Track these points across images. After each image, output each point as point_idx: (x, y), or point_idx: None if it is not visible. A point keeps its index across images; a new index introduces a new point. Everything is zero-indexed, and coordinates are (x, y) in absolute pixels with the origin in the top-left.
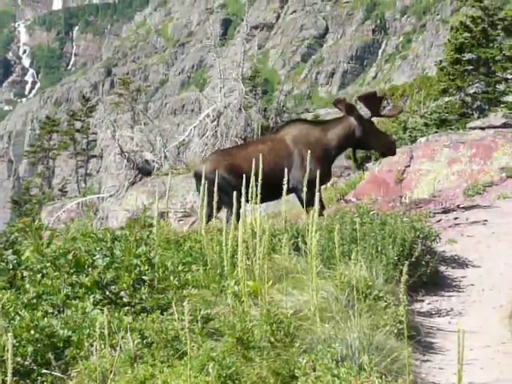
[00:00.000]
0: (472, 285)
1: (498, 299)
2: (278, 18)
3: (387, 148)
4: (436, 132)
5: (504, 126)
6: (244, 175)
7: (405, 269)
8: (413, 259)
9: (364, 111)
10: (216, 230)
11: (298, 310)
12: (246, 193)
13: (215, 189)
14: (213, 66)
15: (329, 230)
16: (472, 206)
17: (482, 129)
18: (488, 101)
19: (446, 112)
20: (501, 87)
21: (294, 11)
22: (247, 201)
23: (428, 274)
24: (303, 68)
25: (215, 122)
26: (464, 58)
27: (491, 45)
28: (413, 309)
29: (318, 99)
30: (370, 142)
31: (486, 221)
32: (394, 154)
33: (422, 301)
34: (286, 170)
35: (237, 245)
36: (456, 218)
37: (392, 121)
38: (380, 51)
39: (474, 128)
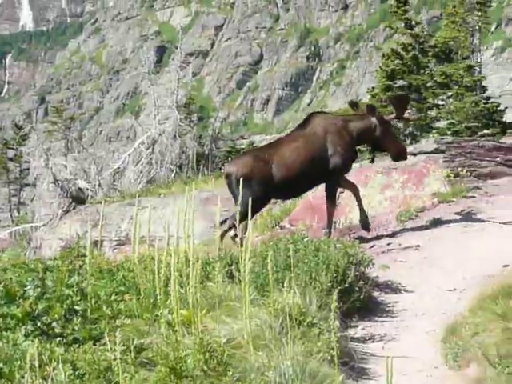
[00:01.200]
0: (405, 310)
1: (430, 324)
2: (212, 45)
3: (401, 152)
4: (369, 158)
5: (435, 151)
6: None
7: (334, 296)
8: (346, 285)
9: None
10: (150, 259)
11: (232, 338)
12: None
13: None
14: (147, 94)
15: (263, 257)
16: (405, 231)
17: (414, 154)
18: (420, 127)
19: None
20: (432, 113)
21: (229, 38)
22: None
23: (361, 299)
24: (238, 95)
25: (150, 150)
26: (395, 85)
27: (422, 71)
28: (346, 335)
29: (254, 125)
30: (386, 144)
31: (418, 246)
32: (405, 158)
33: (356, 326)
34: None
35: (170, 273)
36: (389, 244)
37: None
38: (314, 78)
39: None
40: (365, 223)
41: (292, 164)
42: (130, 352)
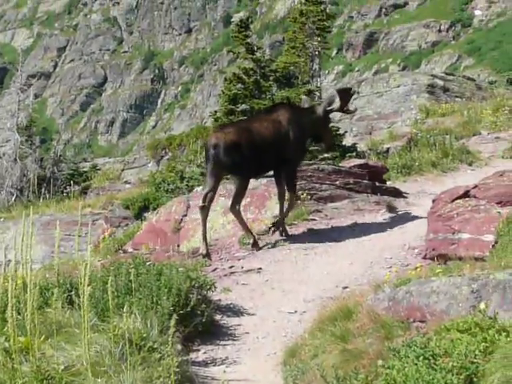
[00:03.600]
0: (247, 333)
1: (272, 347)
2: (55, 66)
3: (332, 143)
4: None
5: None
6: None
7: (173, 321)
8: (188, 309)
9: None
10: None
11: (71, 365)
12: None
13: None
14: None
15: (103, 281)
16: (247, 254)
17: (256, 178)
18: None
19: None
20: None
21: (72, 60)
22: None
23: (203, 323)
24: (82, 117)
25: None
26: (238, 109)
27: (264, 96)
28: (188, 359)
29: (98, 148)
30: (325, 135)
31: (260, 269)
32: (335, 150)
33: (198, 350)
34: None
35: (7, 299)
36: (231, 267)
37: (169, 170)
38: (159, 100)
39: None
40: (278, 224)
41: (263, 139)
42: None
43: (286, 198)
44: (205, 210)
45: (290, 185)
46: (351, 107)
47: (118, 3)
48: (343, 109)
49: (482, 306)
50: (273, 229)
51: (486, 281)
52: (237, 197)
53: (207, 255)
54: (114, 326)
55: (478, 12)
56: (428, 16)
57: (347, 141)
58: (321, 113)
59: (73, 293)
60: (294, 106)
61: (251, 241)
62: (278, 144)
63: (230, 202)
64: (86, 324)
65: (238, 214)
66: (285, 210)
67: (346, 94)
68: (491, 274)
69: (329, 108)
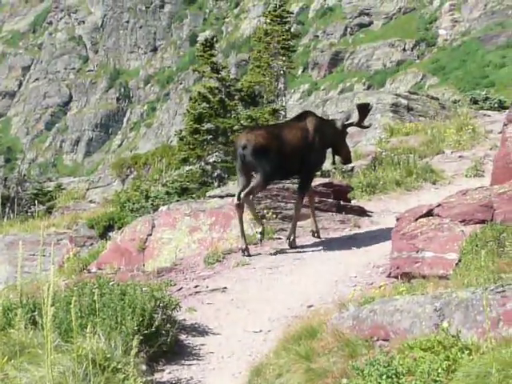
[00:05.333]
0: (212, 352)
1: (237, 366)
2: (20, 85)
3: (349, 156)
4: (177, 200)
5: None
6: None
7: (135, 342)
8: (153, 329)
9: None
10: None
11: None
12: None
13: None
14: None
15: (67, 302)
16: (212, 273)
17: (221, 197)
18: (227, 169)
19: (187, 181)
20: None
21: (37, 79)
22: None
23: (168, 343)
24: (47, 136)
25: None
26: (203, 128)
27: (229, 115)
28: (153, 379)
29: (64, 167)
30: (341, 147)
31: (225, 288)
32: (351, 162)
33: (163, 370)
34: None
35: None
36: (196, 286)
37: (134, 189)
38: (125, 119)
39: (214, 196)
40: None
41: (290, 145)
42: None
43: (297, 201)
44: (240, 207)
45: (301, 189)
46: (366, 123)
47: (84, 22)
48: (360, 124)
49: (445, 324)
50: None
51: (449, 299)
52: (253, 190)
53: (246, 249)
54: (77, 347)
55: (442, 31)
56: (393, 35)
57: None
58: (339, 126)
59: (36, 313)
60: (318, 116)
61: (260, 230)
62: (303, 151)
63: (244, 192)
64: (49, 345)
65: (250, 203)
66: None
67: (364, 109)
68: (454, 292)
69: (347, 122)
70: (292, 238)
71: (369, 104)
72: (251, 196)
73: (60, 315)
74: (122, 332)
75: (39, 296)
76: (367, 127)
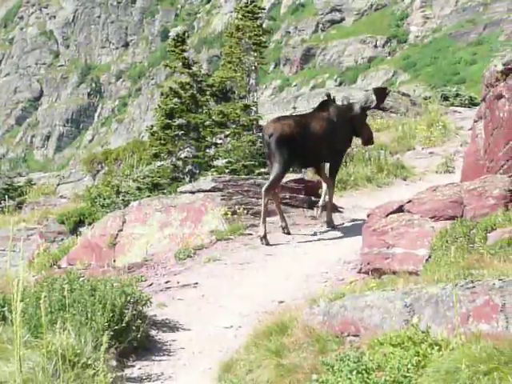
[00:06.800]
0: (182, 348)
1: (207, 362)
2: None
3: (371, 137)
4: (149, 196)
5: (213, 189)
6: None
7: (105, 337)
8: (123, 324)
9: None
10: None
11: (3, 381)
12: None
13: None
14: None
15: (37, 297)
16: (183, 269)
17: (193, 193)
18: (199, 165)
19: (159, 176)
20: (210, 151)
21: (8, 74)
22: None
23: (138, 338)
24: (18, 131)
25: None
26: (174, 123)
27: (200, 110)
28: (123, 375)
29: (34, 162)
30: (362, 130)
31: (196, 283)
32: (373, 143)
33: (133, 366)
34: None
35: None
36: (167, 282)
37: (105, 184)
38: (96, 114)
39: (185, 192)
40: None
41: (316, 135)
42: None
43: (330, 186)
44: (267, 196)
45: (332, 173)
46: (385, 105)
47: (55, 17)
48: (379, 106)
49: (415, 320)
50: (319, 212)
51: (419, 295)
52: (274, 184)
53: (264, 237)
54: (47, 342)
55: (413, 28)
56: (364, 32)
57: None
58: (358, 110)
59: (5, 309)
60: (339, 105)
61: (283, 224)
62: (329, 140)
63: (265, 186)
64: (18, 340)
65: (275, 196)
66: (327, 198)
67: (381, 93)
68: (424, 288)
69: (365, 105)
70: (330, 220)
71: (386, 88)
72: (273, 191)
73: (30, 311)
74: (93, 328)
75: (8, 291)
76: (387, 110)
